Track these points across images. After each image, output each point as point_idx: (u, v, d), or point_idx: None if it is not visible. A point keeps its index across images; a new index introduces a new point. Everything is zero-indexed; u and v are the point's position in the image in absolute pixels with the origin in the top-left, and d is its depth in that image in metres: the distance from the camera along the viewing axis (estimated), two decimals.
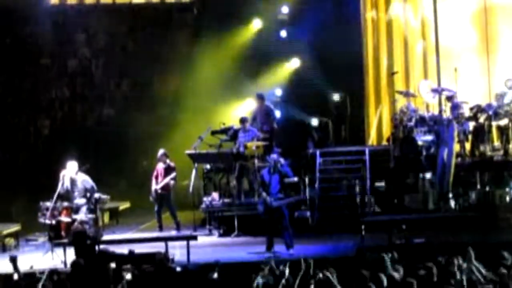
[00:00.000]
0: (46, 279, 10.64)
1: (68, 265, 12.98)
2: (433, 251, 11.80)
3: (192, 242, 14.37)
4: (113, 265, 10.89)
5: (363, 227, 14.85)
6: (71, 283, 10.66)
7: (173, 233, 16.48)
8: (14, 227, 17.27)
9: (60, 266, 13.66)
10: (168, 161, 17.32)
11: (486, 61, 18.94)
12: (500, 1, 18.83)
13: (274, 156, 15.34)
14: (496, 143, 16.96)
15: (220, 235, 16.87)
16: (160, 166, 17.28)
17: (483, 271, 9.56)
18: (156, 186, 17.18)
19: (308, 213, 16.79)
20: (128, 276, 10.67)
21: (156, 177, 17.25)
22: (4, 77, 19.76)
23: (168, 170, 17.22)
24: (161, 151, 17.43)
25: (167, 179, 17.15)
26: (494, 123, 16.97)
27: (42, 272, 11.23)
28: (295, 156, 17.60)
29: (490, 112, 16.94)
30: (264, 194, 14.92)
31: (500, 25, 18.85)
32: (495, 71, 18.67)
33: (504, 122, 16.96)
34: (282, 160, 15.27)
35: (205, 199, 17.34)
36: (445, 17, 19.25)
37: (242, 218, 16.76)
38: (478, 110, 17.05)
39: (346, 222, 16.03)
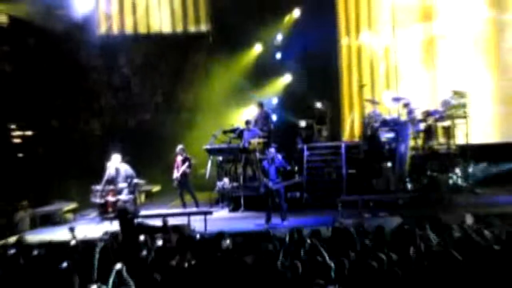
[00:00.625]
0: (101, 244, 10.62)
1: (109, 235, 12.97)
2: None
3: (208, 216, 14.34)
4: (142, 237, 10.74)
5: (340, 204, 14.82)
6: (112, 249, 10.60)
7: (194, 209, 16.41)
8: (72, 205, 17.31)
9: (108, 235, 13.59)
10: (184, 154, 17.22)
11: (432, 76, 18.95)
12: (441, 33, 18.84)
13: (271, 150, 15.30)
14: (441, 140, 16.90)
15: (230, 211, 16.86)
16: (179, 159, 17.16)
17: (435, 238, 9.46)
18: (176, 174, 17.11)
19: (298, 194, 16.73)
20: (160, 242, 10.62)
21: (177, 167, 17.16)
22: (64, 90, 19.72)
23: (184, 161, 17.13)
24: (179, 147, 17.32)
25: (183, 167, 17.06)
26: (439, 124, 16.94)
27: (96, 240, 11.20)
28: (288, 150, 17.53)
29: (437, 116, 16.91)
30: (265, 179, 14.93)
31: (441, 50, 18.85)
32: (439, 84, 18.64)
33: (447, 123, 16.93)
34: (278, 154, 15.24)
35: (218, 183, 17.29)
36: (402, 43, 19.25)
37: (247, 198, 16.74)
38: (427, 114, 17.01)
39: (327, 201, 15.99)
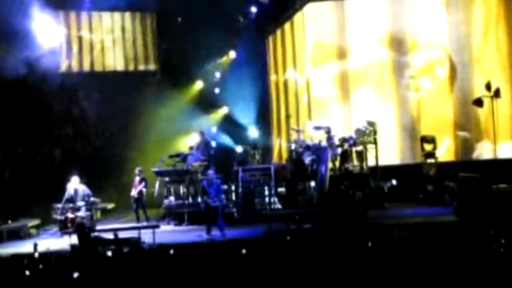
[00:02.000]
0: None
1: (69, 247, 12.82)
2: (317, 233, 11.80)
3: (156, 230, 14.22)
4: (97, 248, 10.62)
5: (270, 217, 14.87)
6: (71, 260, 10.44)
7: (144, 223, 16.25)
8: (36, 221, 16.97)
9: (67, 247, 13.38)
10: (142, 175, 17.16)
11: (347, 107, 19.17)
12: (352, 69, 19.02)
13: (211, 172, 15.31)
14: (355, 162, 17.11)
15: (175, 225, 16.68)
16: (137, 179, 17.09)
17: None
18: (134, 192, 17.00)
19: (234, 209, 16.75)
20: (109, 253, 10.47)
21: (135, 187, 17.06)
22: (28, 121, 19.38)
23: (141, 181, 17.06)
24: (137, 169, 17.29)
25: (140, 187, 16.98)
26: (354, 149, 17.14)
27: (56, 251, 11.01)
28: (225, 171, 17.56)
29: (351, 142, 17.09)
30: (205, 197, 14.90)
31: (353, 84, 19.13)
32: (353, 114, 18.91)
33: (360, 148, 17.16)
34: (216, 175, 15.26)
35: (165, 200, 17.16)
36: (319, 79, 19.37)
37: (190, 213, 16.57)
38: (343, 140, 17.15)
39: (259, 215, 16.04)
